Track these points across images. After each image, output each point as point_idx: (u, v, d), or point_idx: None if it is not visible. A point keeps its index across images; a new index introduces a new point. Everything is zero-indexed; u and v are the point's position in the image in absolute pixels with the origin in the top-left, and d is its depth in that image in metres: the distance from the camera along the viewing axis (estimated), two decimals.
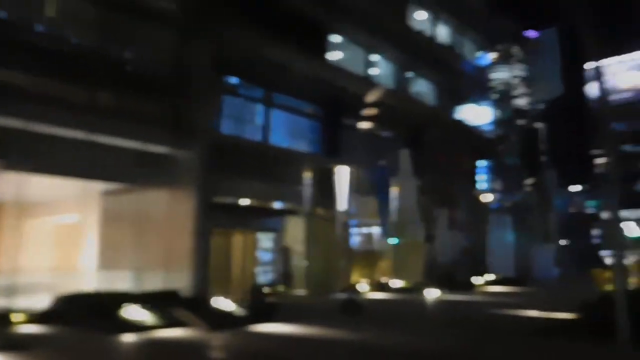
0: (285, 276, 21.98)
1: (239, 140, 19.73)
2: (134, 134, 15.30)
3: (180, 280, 15.45)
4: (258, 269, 16.62)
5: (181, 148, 16.11)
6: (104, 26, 15.48)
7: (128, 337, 11.02)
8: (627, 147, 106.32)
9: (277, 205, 21.42)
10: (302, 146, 22.98)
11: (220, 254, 17.60)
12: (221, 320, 12.65)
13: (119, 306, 12.27)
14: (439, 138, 29.18)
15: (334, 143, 23.45)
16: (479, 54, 41.12)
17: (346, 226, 21.75)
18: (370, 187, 24.52)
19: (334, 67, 24.34)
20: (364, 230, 28.12)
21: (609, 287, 15.31)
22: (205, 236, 16.48)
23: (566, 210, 55.90)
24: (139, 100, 15.88)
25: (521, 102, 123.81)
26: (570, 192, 56.36)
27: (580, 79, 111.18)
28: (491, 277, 30.03)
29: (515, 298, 22.09)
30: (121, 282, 15.29)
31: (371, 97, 18.99)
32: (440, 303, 19.65)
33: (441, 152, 28.63)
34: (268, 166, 20.55)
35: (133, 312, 12.26)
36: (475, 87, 39.43)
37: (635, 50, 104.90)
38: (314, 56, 22.56)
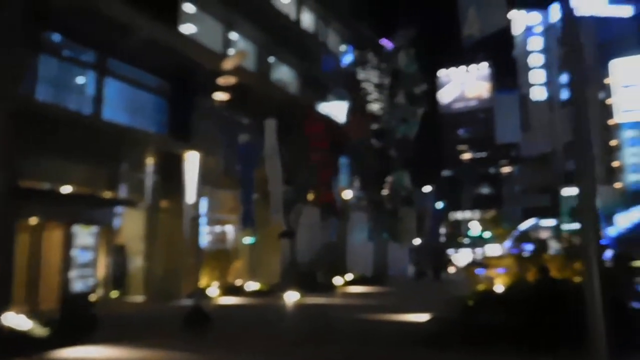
0: (119, 280, 18.45)
1: (61, 110, 15.84)
2: None
3: None
4: (75, 272, 13.10)
5: None
6: None
7: None
8: (472, 152, 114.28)
9: (111, 194, 17.84)
10: (145, 125, 19.50)
11: (27, 254, 13.80)
12: (11, 344, 9.20)
13: None
14: (300, 129, 27.09)
15: (185, 125, 20.26)
16: (343, 48, 40.00)
17: (196, 222, 18.81)
18: (229, 178, 21.82)
19: (187, 39, 21.16)
20: (218, 227, 25.30)
21: (482, 287, 14.14)
22: (5, 231, 12.60)
23: (419, 210, 57.45)
24: None
25: (375, 107, 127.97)
26: (423, 192, 58.11)
27: (432, 86, 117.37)
28: (350, 276, 28.65)
29: (379, 299, 20.61)
30: None
31: (229, 77, 16.25)
32: (301, 308, 17.46)
33: (303, 144, 26.55)
34: (100, 146, 16.92)
35: None
36: (339, 82, 38.14)
37: (481, 61, 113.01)
38: (162, 22, 19.21)
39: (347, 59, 41.31)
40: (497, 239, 43.38)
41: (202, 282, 20.33)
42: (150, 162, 19.48)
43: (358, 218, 35.74)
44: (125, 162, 18.54)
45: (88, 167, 16.96)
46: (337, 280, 25.93)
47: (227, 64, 16.28)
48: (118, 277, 18.45)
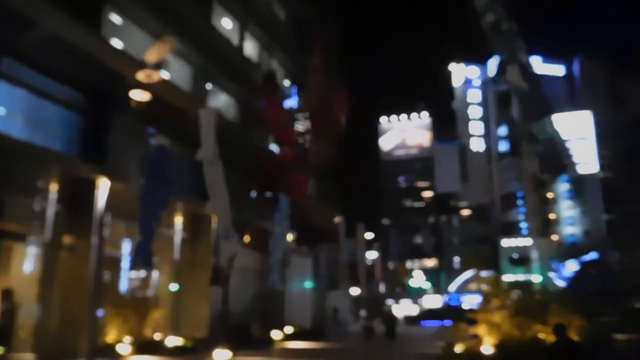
0: (4, 333, 14.71)
1: None
2: None
3: None
4: None
5: None
6: None
7: None
8: (407, 201, 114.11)
9: None
10: (49, 143, 16.11)
11: None
12: None
13: None
14: (239, 162, 24.18)
15: (100, 145, 17.07)
16: (287, 84, 37.78)
17: (101, 262, 15.46)
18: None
19: (108, 46, 18.17)
20: (143, 272, 21.72)
21: (461, 346, 11.57)
22: None
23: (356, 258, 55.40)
24: None
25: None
26: (366, 240, 56.15)
27: (373, 133, 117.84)
28: (289, 329, 25.49)
29: None
30: None
31: (152, 72, 13.33)
32: None
33: (241, 178, 23.67)
34: None
35: None
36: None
37: (423, 110, 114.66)
38: (80, 24, 16.26)
39: (291, 102, 38.92)
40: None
41: (112, 335, 16.85)
42: (53, 187, 16.10)
43: (298, 263, 32.78)
44: (19, 186, 15.10)
45: None
46: (275, 335, 22.72)
47: (151, 56, 13.34)
48: (2, 330, 14.74)
